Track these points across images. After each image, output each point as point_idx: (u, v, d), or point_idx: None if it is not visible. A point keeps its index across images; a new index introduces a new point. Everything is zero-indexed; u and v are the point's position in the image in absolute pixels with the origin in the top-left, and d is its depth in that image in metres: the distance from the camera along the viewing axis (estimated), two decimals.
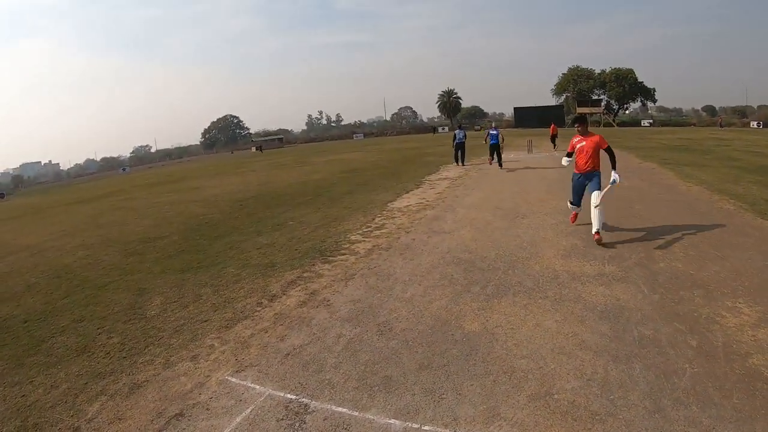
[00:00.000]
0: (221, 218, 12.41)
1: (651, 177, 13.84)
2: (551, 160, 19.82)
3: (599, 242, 7.02)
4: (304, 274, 6.81)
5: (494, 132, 19.11)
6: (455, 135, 21.24)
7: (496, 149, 18.78)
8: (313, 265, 7.23)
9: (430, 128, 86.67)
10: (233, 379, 4.12)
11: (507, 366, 3.93)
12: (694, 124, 69.23)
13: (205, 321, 5.45)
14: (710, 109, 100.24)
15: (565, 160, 8.43)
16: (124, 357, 4.73)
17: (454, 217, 9.89)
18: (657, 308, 4.81)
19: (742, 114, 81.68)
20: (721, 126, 60.41)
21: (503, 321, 4.75)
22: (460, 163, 20.69)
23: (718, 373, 3.61)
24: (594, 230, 7.14)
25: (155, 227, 12.18)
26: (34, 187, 73.89)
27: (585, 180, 7.66)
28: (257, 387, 3.95)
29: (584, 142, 7.58)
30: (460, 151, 20.77)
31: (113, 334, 5.32)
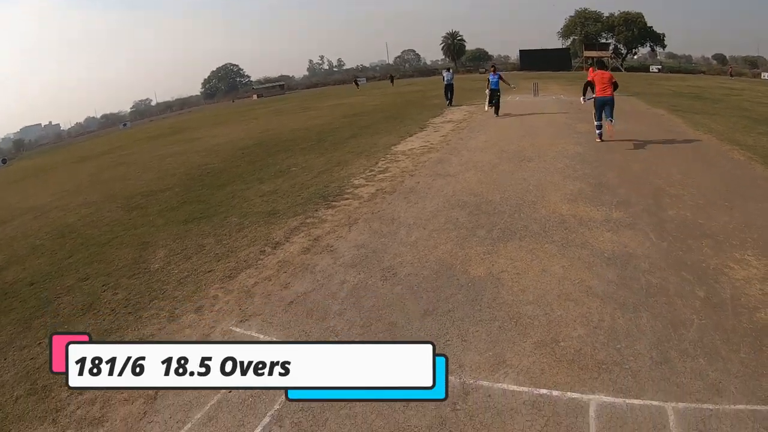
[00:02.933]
0: (223, 167, 12.27)
1: (659, 123, 13.50)
2: (558, 104, 19.35)
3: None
4: (307, 221, 6.70)
5: (495, 76, 16.69)
6: (444, 76, 22.52)
7: (496, 95, 16.75)
8: (316, 210, 7.12)
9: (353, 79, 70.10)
10: (237, 329, 4.09)
11: (513, 312, 3.87)
12: (704, 72, 67.44)
13: (209, 271, 5.39)
14: (720, 58, 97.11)
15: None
16: (129, 312, 4.68)
17: (459, 160, 9.69)
18: (665, 257, 4.73)
19: (753, 65, 79.30)
20: (731, 75, 58.83)
21: (509, 266, 4.67)
22: (449, 103, 21.48)
23: (726, 326, 3.56)
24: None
25: (157, 180, 12.00)
26: (35, 150, 71.97)
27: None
28: (261, 336, 3.92)
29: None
30: (449, 92, 21.78)
31: (118, 290, 5.27)
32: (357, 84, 62.88)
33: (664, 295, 4.04)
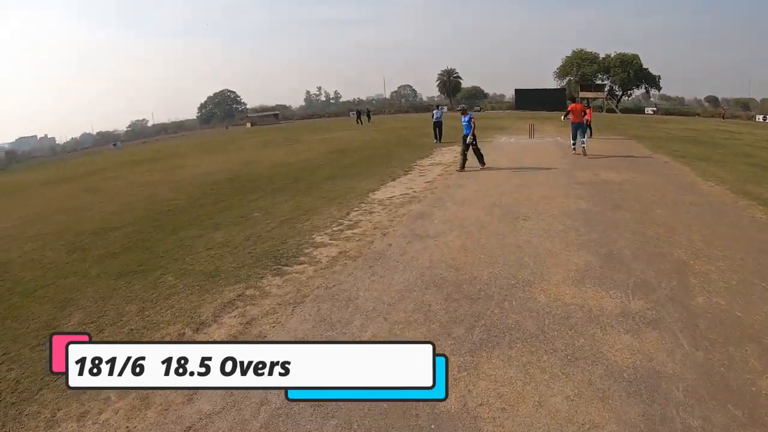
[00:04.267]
0: (186, 205, 11.35)
1: (665, 173, 12.44)
2: (555, 147, 18.34)
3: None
4: (247, 291, 5.48)
5: (465, 118, 13.38)
6: (433, 114, 23.09)
7: (466, 141, 13.46)
8: (262, 277, 5.92)
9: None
10: None
11: None
12: (698, 114, 67.60)
13: None
14: (713, 100, 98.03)
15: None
16: (13, 403, 3.68)
17: (443, 215, 8.48)
18: (703, 377, 3.48)
19: (745, 106, 79.93)
20: (723, 118, 58.78)
21: (492, 394, 3.37)
22: (437, 141, 21.72)
23: None
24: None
25: (116, 214, 11.13)
26: (27, 162, 71.90)
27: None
28: None
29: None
30: (437, 129, 22.20)
31: (14, 366, 4.28)
32: (369, 117, 50.36)
33: None
